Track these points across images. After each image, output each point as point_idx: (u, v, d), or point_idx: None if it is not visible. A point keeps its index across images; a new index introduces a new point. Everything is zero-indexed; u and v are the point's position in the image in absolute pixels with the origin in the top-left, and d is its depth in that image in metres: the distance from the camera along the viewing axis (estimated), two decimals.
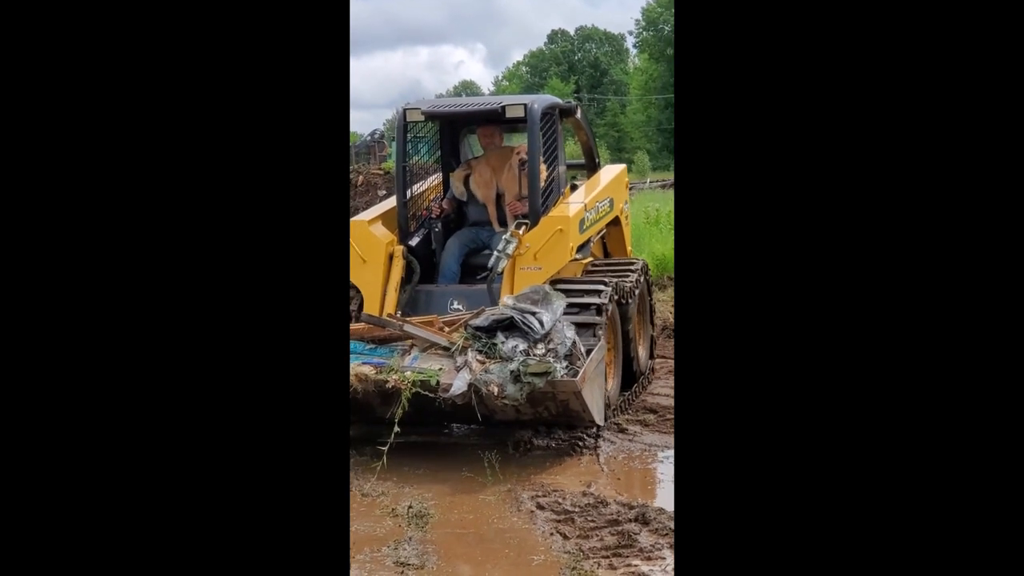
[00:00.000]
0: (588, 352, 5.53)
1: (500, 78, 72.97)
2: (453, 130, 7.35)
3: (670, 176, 30.71)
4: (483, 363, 5.32)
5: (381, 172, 17.50)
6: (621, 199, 7.82)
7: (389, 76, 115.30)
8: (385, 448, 5.02)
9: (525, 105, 6.49)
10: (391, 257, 6.42)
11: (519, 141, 7.18)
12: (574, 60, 67.29)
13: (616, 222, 7.78)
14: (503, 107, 6.54)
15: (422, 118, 6.81)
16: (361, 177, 17.16)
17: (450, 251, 6.67)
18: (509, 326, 5.48)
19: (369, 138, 27.12)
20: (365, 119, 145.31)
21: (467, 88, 70.79)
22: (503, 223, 6.60)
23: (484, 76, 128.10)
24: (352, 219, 6.80)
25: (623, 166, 8.27)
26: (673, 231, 12.93)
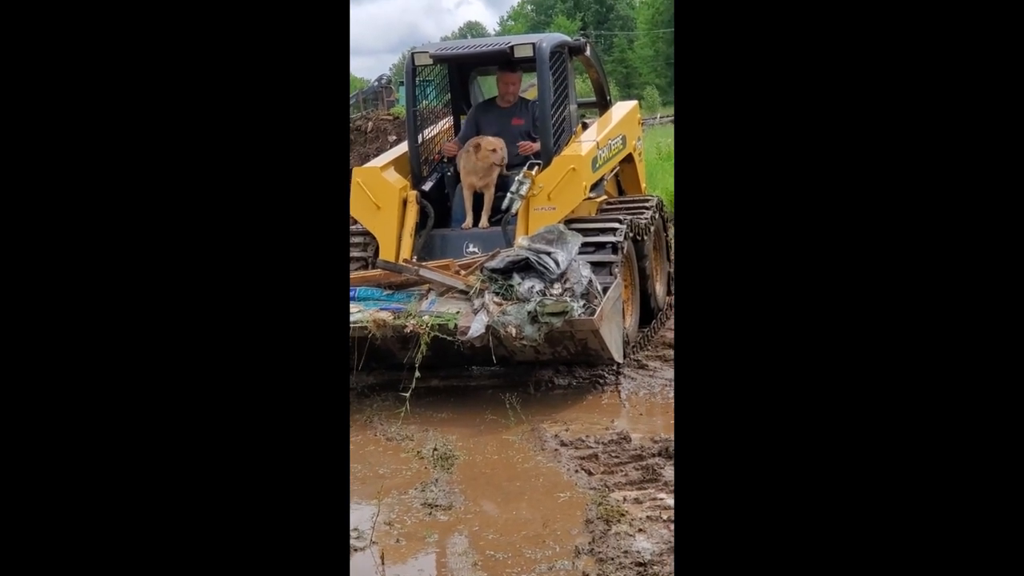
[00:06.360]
0: (605, 290, 5.53)
1: (506, 18, 72.11)
2: (462, 73, 7.29)
3: None
4: (500, 305, 5.33)
5: (390, 117, 17.42)
6: (634, 136, 7.76)
7: (388, 22, 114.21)
8: (407, 394, 5.06)
9: (533, 44, 6.42)
10: (405, 203, 6.40)
11: (532, 81, 7.12)
12: None
13: (629, 159, 7.73)
14: (511, 47, 6.47)
15: (431, 61, 6.75)
16: (370, 123, 17.08)
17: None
18: (525, 267, 5.48)
19: (376, 84, 26.95)
20: (369, 65, 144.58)
21: (472, 30, 70.02)
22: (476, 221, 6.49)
23: (486, 16, 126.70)
24: (365, 166, 6.78)
25: (635, 102, 8.19)
26: None
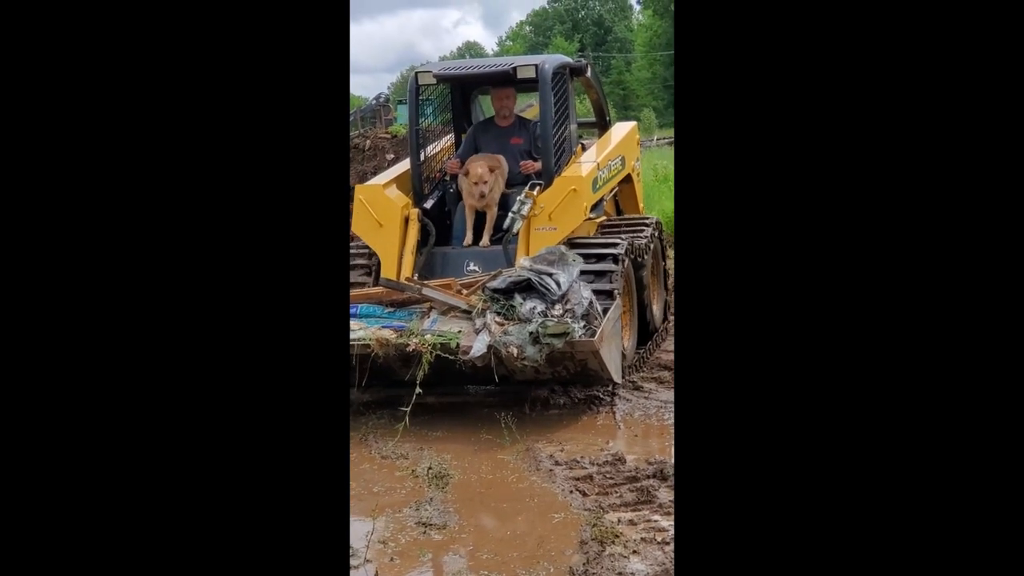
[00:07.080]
0: (605, 311, 5.56)
1: (504, 38, 72.38)
2: (464, 92, 7.33)
3: None
4: (502, 325, 5.35)
5: (388, 136, 17.41)
6: (632, 157, 7.81)
7: (386, 40, 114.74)
8: (407, 408, 5.03)
9: (536, 66, 6.47)
10: (406, 220, 6.43)
11: (531, 101, 7.17)
12: (578, 18, 66.64)
13: (628, 180, 7.78)
14: (514, 68, 6.52)
15: (434, 81, 6.80)
16: (368, 141, 17.08)
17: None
18: (527, 287, 5.50)
19: (374, 102, 27.00)
20: (366, 83, 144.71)
21: (471, 50, 70.20)
22: (477, 238, 6.51)
23: (484, 37, 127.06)
24: (367, 183, 6.81)
25: (634, 123, 8.25)
26: None
